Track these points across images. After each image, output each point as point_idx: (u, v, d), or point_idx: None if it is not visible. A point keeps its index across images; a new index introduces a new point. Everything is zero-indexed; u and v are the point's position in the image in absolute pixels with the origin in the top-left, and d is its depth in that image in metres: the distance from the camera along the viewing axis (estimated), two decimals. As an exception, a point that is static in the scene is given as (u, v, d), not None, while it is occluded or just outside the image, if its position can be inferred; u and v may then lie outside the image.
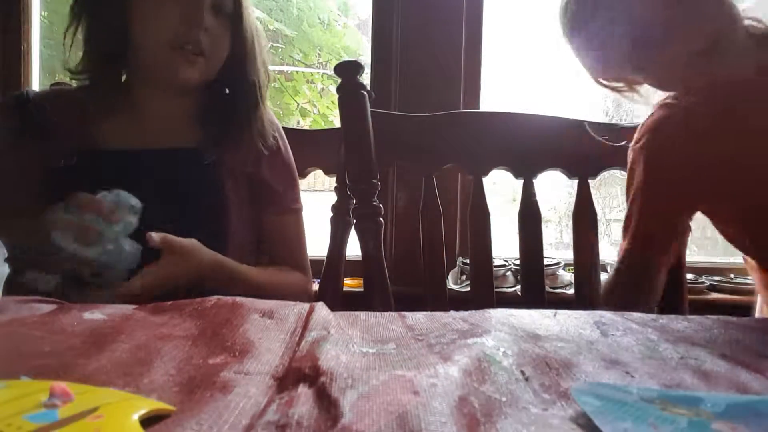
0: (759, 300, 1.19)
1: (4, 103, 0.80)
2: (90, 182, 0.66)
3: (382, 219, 0.92)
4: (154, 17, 0.74)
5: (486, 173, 0.96)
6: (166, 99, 0.82)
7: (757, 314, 1.16)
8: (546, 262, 1.01)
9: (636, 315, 0.48)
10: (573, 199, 0.97)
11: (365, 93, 0.93)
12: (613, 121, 1.16)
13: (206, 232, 0.76)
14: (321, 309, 0.44)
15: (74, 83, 0.82)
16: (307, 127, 1.88)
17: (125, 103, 0.81)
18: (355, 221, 0.92)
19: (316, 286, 1.01)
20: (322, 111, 2.19)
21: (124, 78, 0.83)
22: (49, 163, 0.76)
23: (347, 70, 0.91)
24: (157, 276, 0.67)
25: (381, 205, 0.92)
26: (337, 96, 0.92)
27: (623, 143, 0.88)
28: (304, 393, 0.28)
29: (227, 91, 0.87)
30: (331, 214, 1.04)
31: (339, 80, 0.90)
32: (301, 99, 2.21)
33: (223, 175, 0.82)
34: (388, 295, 0.91)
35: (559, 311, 0.48)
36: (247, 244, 0.87)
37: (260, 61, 0.84)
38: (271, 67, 0.90)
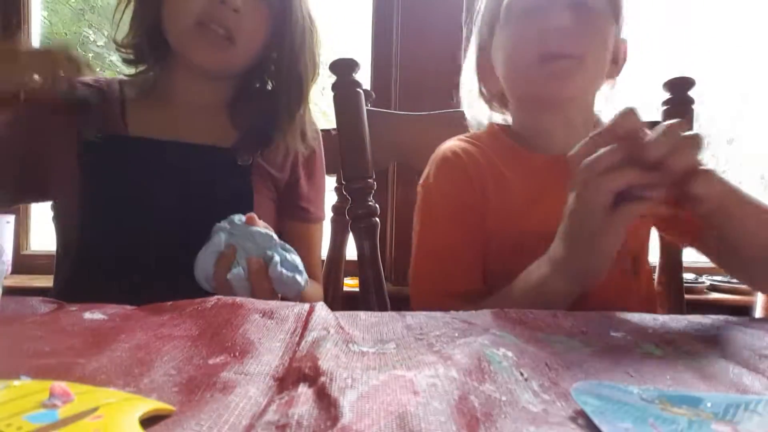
0: (759, 300, 1.19)
1: None
2: (116, 166, 0.65)
3: (377, 219, 0.92)
4: None
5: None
6: (199, 89, 0.76)
7: (757, 314, 1.17)
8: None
9: (636, 315, 0.48)
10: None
11: (360, 91, 0.93)
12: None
13: None
14: (321, 309, 0.44)
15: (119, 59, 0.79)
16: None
17: (160, 92, 0.77)
18: (350, 221, 0.92)
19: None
20: (323, 110, 2.19)
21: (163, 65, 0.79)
22: (81, 137, 0.72)
23: (342, 68, 0.91)
24: None
25: (377, 205, 0.92)
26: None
27: None
28: (304, 393, 0.28)
29: (269, 86, 0.81)
30: (331, 215, 1.04)
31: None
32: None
33: (255, 179, 0.76)
34: (384, 295, 0.91)
35: (559, 311, 0.48)
36: None
37: (308, 54, 0.77)
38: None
